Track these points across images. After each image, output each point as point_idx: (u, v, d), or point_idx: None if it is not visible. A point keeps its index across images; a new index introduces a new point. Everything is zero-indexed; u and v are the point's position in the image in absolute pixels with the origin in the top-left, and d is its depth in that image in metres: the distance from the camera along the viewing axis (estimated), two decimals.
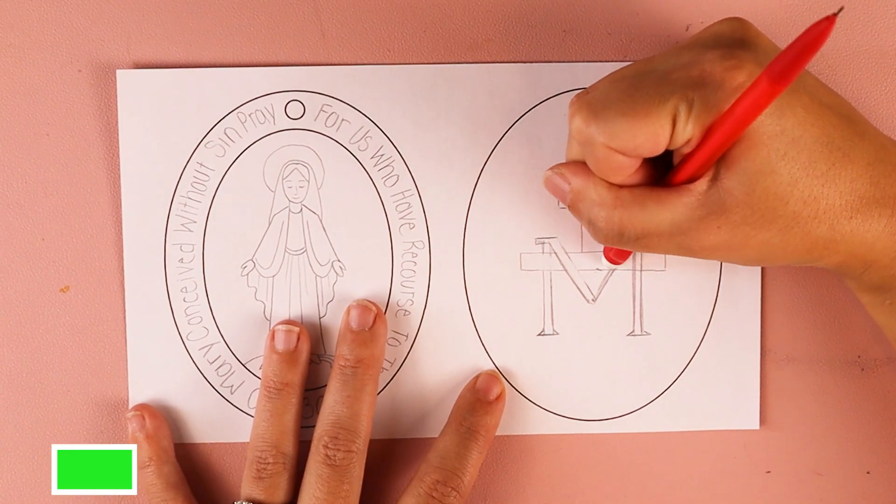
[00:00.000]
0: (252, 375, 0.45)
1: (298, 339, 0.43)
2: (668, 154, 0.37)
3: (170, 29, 0.44)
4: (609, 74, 0.37)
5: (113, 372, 0.45)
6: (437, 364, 0.45)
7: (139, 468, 0.44)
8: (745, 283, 0.45)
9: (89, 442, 0.45)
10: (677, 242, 0.37)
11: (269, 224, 0.44)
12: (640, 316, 0.45)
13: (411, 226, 0.45)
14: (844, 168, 0.36)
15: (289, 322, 0.44)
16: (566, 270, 0.45)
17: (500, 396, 0.44)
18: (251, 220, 0.44)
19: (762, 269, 0.45)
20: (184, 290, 0.44)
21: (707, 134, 0.35)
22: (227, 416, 0.45)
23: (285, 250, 0.44)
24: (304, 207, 0.44)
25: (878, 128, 0.44)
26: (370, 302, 0.44)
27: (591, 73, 0.44)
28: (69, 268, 0.44)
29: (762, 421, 0.45)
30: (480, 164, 0.44)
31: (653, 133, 0.35)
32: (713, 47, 0.36)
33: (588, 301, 0.45)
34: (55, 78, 0.44)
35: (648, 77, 0.36)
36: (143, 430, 0.44)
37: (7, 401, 0.45)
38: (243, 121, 0.44)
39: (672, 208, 0.36)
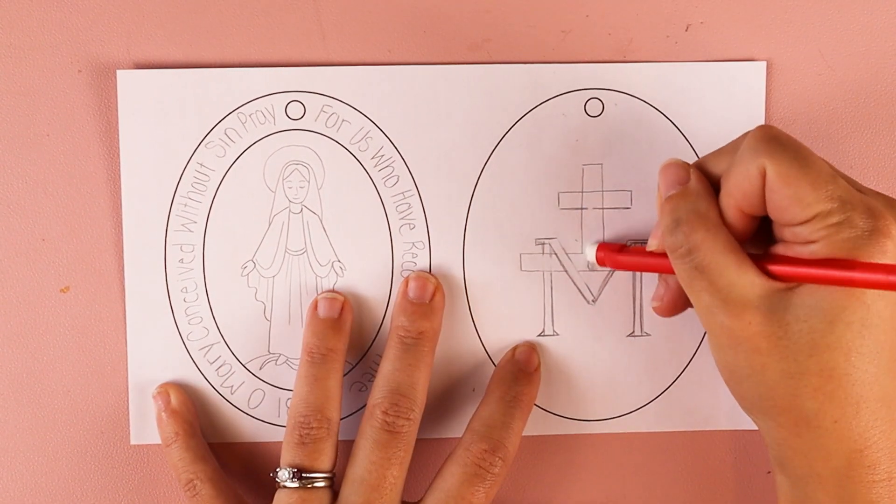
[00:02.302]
0: (252, 376, 0.45)
1: (342, 307, 0.43)
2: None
3: (170, 29, 0.44)
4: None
5: (113, 372, 0.45)
6: (437, 364, 0.45)
7: (165, 445, 0.43)
8: None
9: (89, 442, 0.45)
10: (713, 305, 0.36)
11: (270, 224, 0.44)
12: (640, 317, 0.45)
13: (411, 226, 0.45)
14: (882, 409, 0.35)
15: (332, 291, 0.44)
16: (566, 271, 0.45)
17: (537, 368, 0.44)
18: (251, 221, 0.44)
19: None
20: (184, 290, 0.44)
21: (832, 262, 0.34)
22: (227, 416, 0.45)
23: (285, 251, 0.44)
24: (304, 208, 0.44)
25: (880, 129, 0.44)
26: (429, 274, 0.44)
27: (592, 74, 0.44)
28: (69, 268, 0.44)
29: None
30: (481, 165, 0.44)
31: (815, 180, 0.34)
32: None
33: (588, 302, 0.45)
34: (55, 78, 0.44)
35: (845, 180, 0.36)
36: (167, 407, 0.43)
37: (7, 401, 0.45)
38: (244, 121, 0.44)
39: (741, 275, 0.36)
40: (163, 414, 0.43)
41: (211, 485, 0.42)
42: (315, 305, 0.44)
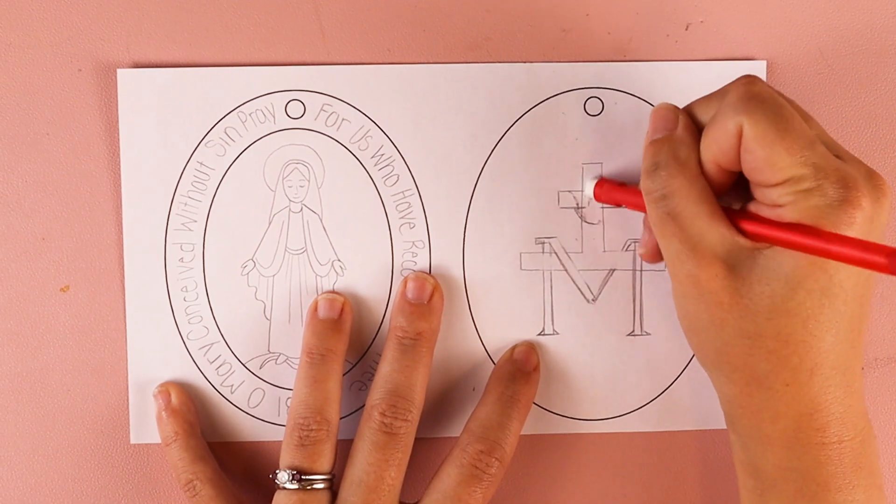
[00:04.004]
0: (252, 375, 0.45)
1: (342, 308, 0.43)
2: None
3: (170, 28, 0.44)
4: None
5: (113, 371, 0.45)
6: (437, 363, 0.45)
7: (164, 445, 0.43)
8: None
9: (89, 441, 0.45)
10: (681, 252, 0.36)
11: (270, 223, 0.44)
12: (640, 316, 0.45)
13: (411, 225, 0.45)
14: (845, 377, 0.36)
15: (332, 292, 0.44)
16: (566, 270, 0.45)
17: (536, 367, 0.44)
18: (251, 220, 0.44)
19: None
20: (184, 289, 0.44)
21: (801, 228, 0.33)
22: (227, 415, 0.45)
23: (285, 250, 0.44)
24: (304, 207, 0.44)
25: (880, 129, 0.44)
26: (427, 274, 0.44)
27: (591, 73, 0.44)
28: (69, 267, 0.44)
29: None
30: (480, 164, 0.44)
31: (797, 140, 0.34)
32: (860, 164, 0.35)
33: (588, 301, 0.45)
34: (55, 77, 0.44)
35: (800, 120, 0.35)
36: (167, 406, 0.43)
37: (7, 400, 0.45)
38: (244, 120, 0.44)
39: (711, 226, 0.36)
40: (163, 413, 0.43)
41: (210, 485, 0.42)
42: (315, 306, 0.44)
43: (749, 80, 0.36)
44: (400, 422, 0.41)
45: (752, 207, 0.36)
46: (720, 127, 0.35)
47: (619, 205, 0.43)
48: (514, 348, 0.45)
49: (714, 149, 0.36)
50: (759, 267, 0.35)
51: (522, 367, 0.44)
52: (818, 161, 0.34)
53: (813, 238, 0.33)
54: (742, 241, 0.35)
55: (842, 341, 0.35)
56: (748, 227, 0.35)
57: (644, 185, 0.38)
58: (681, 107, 0.39)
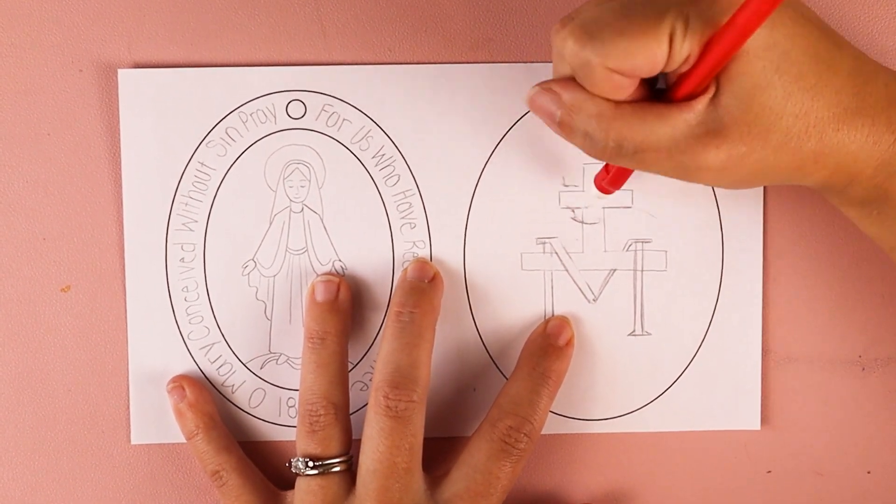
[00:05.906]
0: (253, 375, 0.45)
1: (339, 288, 0.43)
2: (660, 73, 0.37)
3: (171, 28, 0.44)
4: None
5: (114, 371, 0.45)
6: (438, 363, 0.45)
7: (187, 439, 0.43)
8: (746, 283, 0.45)
9: (89, 442, 0.45)
10: (676, 161, 0.36)
11: (270, 224, 0.44)
12: (641, 316, 0.45)
13: (412, 225, 0.45)
14: (830, 80, 0.35)
15: (328, 274, 0.44)
16: (567, 270, 0.45)
17: (569, 341, 0.44)
18: (252, 220, 0.44)
19: (763, 269, 0.45)
20: (185, 289, 0.44)
21: (705, 49, 0.34)
22: (228, 415, 0.45)
23: (286, 250, 0.45)
24: (305, 207, 0.44)
25: None
26: (428, 262, 0.44)
27: None
28: (70, 267, 0.44)
29: (763, 421, 0.46)
30: (481, 164, 0.44)
31: (651, 52, 0.34)
32: None
33: (589, 301, 0.45)
34: (56, 78, 0.44)
35: None
36: (183, 399, 0.43)
37: (7, 400, 0.45)
38: (244, 120, 0.44)
39: (673, 124, 0.35)
40: (180, 406, 0.43)
41: (237, 474, 0.43)
42: (312, 290, 0.44)
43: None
44: (405, 403, 0.41)
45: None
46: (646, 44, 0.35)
47: (622, 176, 0.42)
48: (547, 321, 0.45)
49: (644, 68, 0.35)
50: (724, 105, 0.35)
51: (555, 342, 0.44)
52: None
53: (724, 37, 0.33)
54: (698, 103, 0.35)
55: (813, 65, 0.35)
56: (681, 93, 0.35)
57: (591, 154, 0.37)
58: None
